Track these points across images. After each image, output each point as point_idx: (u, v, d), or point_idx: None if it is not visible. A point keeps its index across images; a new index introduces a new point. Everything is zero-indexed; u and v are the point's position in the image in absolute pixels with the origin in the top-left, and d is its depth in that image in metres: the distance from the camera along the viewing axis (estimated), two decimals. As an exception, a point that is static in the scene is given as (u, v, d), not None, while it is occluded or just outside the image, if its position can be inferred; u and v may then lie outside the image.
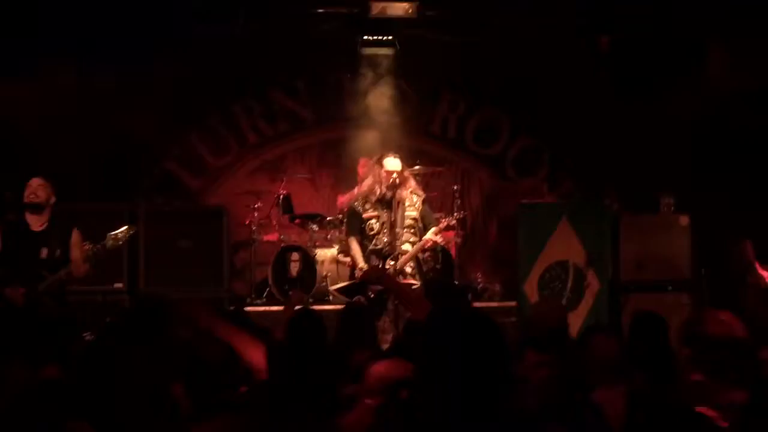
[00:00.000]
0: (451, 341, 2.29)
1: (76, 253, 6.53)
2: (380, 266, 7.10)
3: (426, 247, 7.32)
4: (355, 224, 7.47)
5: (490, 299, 9.25)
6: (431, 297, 5.00)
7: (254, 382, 3.99)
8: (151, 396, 3.35)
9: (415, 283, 7.17)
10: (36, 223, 6.60)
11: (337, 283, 8.24)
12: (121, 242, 6.61)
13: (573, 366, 4.04)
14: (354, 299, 7.26)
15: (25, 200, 6.60)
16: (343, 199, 9.26)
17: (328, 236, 9.23)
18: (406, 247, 7.25)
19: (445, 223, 7.42)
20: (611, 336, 4.17)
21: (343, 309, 5.39)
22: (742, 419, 3.08)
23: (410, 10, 9.12)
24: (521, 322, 4.87)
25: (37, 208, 6.57)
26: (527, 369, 3.81)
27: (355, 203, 7.53)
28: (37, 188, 6.59)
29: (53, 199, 6.63)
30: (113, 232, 6.54)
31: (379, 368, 3.88)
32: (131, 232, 6.67)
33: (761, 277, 7.58)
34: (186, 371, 3.56)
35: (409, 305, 4.94)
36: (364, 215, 7.38)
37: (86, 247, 6.50)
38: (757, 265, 7.68)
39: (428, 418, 2.28)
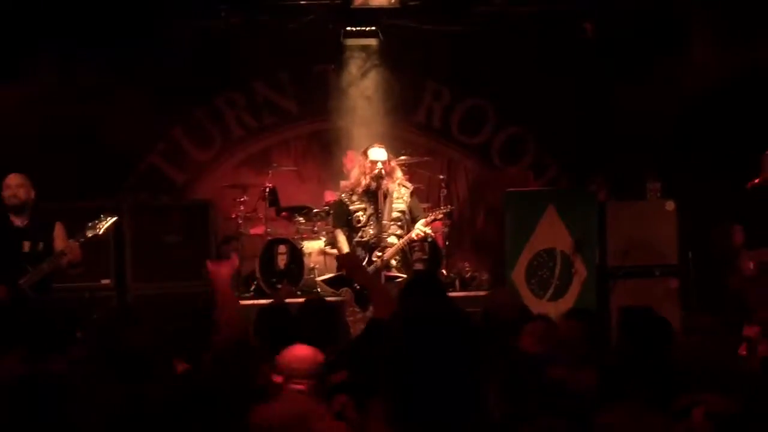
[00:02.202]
0: (412, 345, 2.22)
1: (61, 245, 6.48)
2: (358, 256, 7.04)
3: (414, 239, 7.31)
4: (342, 216, 7.47)
5: (478, 288, 9.25)
6: (413, 290, 4.96)
7: None
8: None
9: (401, 276, 7.16)
10: (18, 218, 6.57)
11: (324, 275, 8.23)
12: (100, 231, 6.49)
13: None
14: (341, 290, 7.27)
15: (6, 202, 6.54)
16: (331, 196, 9.25)
17: (315, 228, 9.22)
18: (392, 239, 7.24)
19: (432, 217, 7.40)
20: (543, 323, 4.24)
21: (300, 306, 5.30)
22: None
23: (393, 0, 9.11)
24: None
25: (18, 209, 6.52)
26: None
27: (342, 195, 7.53)
28: (16, 189, 6.51)
29: (33, 195, 6.58)
30: (92, 222, 6.47)
31: (301, 351, 3.87)
32: (111, 220, 6.56)
33: (745, 265, 7.59)
34: None
35: (375, 303, 4.90)
36: (351, 207, 7.37)
37: (70, 240, 6.44)
38: (745, 252, 7.68)
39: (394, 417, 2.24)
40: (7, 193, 6.51)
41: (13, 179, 6.57)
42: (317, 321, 4.81)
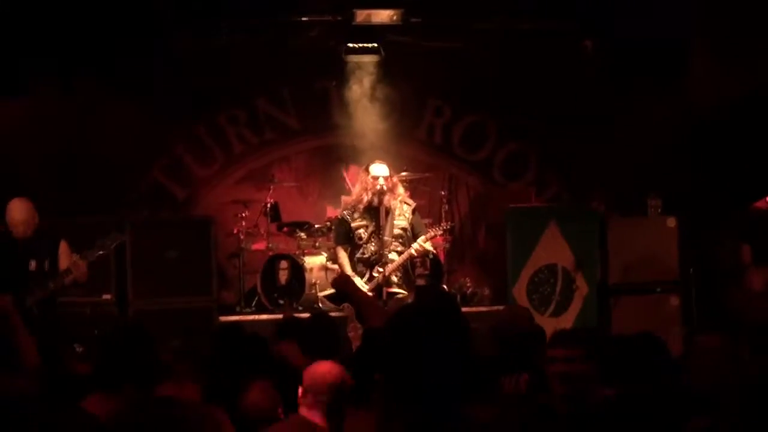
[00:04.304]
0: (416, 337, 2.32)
1: (65, 262, 6.46)
2: (349, 276, 7.03)
3: (414, 255, 7.29)
4: (343, 233, 7.47)
5: (480, 304, 9.25)
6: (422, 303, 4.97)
7: None
8: None
9: (402, 292, 7.16)
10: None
11: (326, 290, 8.23)
12: (108, 249, 6.48)
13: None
14: (342, 306, 7.27)
15: (16, 237, 6.49)
16: (332, 212, 9.27)
17: (317, 244, 9.22)
18: (393, 256, 7.23)
19: (432, 234, 7.39)
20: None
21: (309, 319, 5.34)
22: None
23: (395, 17, 9.13)
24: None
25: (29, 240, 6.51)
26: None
27: (344, 212, 7.53)
28: (24, 224, 6.46)
29: (37, 219, 6.56)
30: (100, 240, 6.46)
31: (322, 368, 3.93)
32: (119, 240, 6.57)
33: (754, 282, 7.57)
34: None
35: (367, 315, 4.93)
36: (353, 224, 7.37)
37: (74, 257, 6.43)
38: (753, 270, 7.66)
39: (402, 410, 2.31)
40: (15, 230, 6.47)
41: (17, 214, 6.51)
42: (323, 334, 4.85)
